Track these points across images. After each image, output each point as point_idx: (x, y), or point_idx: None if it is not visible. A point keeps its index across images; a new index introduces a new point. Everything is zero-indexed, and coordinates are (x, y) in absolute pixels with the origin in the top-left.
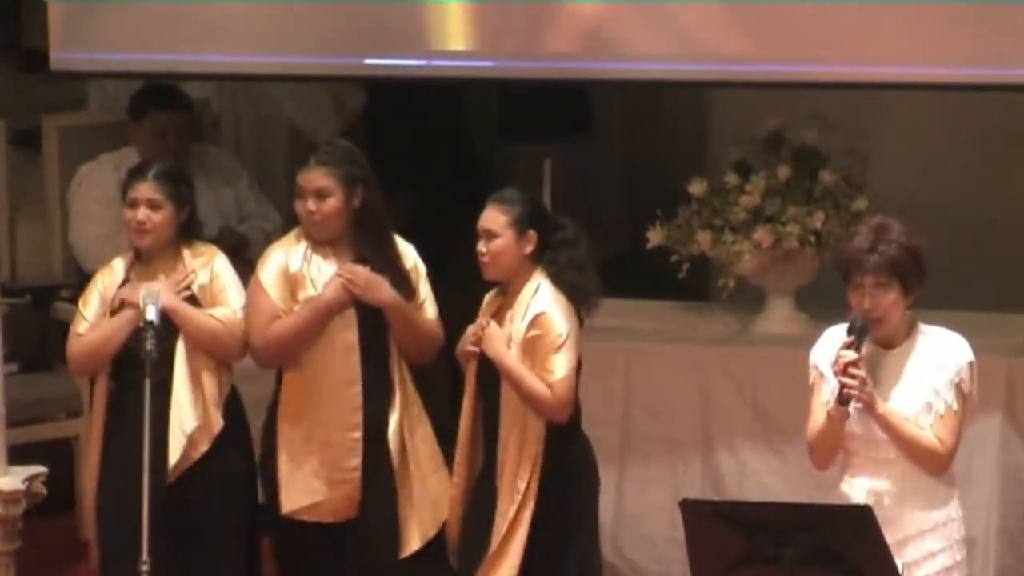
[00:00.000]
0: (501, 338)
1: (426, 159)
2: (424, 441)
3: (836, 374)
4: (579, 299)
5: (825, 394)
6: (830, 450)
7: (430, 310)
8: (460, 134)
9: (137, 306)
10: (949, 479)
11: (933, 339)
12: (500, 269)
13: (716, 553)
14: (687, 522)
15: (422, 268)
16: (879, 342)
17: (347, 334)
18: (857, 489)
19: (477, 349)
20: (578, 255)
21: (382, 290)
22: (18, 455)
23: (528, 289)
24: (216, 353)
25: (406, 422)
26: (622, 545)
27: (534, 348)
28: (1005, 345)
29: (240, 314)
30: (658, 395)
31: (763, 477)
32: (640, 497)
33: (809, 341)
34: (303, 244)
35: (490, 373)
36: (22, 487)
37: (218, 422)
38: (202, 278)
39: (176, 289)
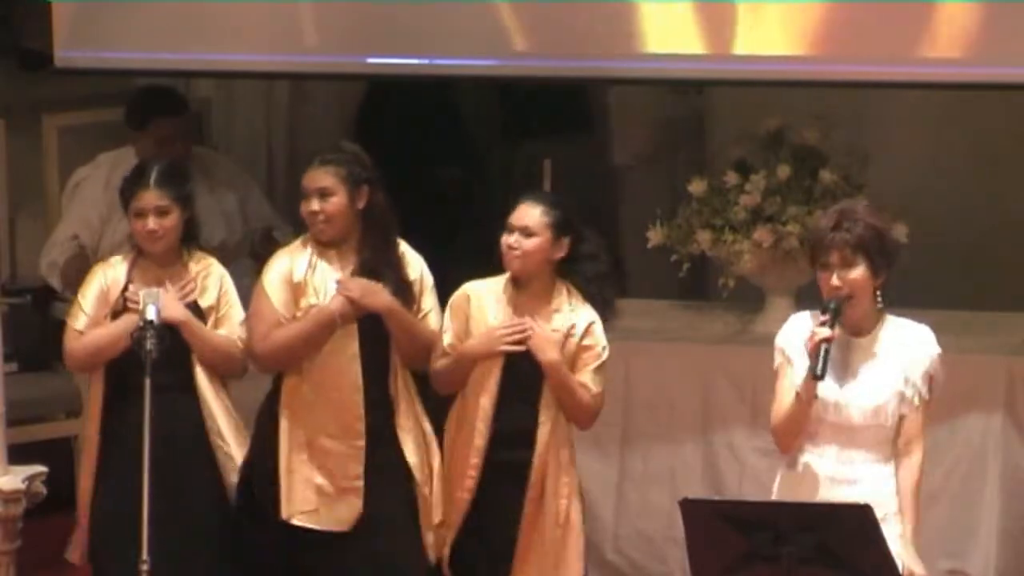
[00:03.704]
0: (555, 344)
1: (423, 159)
2: (434, 451)
3: (809, 351)
4: (603, 310)
5: (791, 377)
6: (798, 432)
7: (434, 321)
8: (457, 133)
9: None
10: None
11: (902, 330)
12: (528, 267)
13: (716, 553)
14: (687, 522)
15: (429, 280)
16: (849, 329)
17: (349, 343)
18: (822, 463)
19: (513, 349)
20: (603, 267)
21: (378, 296)
22: (18, 455)
23: (562, 295)
24: (221, 369)
25: (427, 432)
26: (622, 544)
27: (579, 356)
28: (1005, 345)
29: (242, 334)
30: (658, 394)
31: (763, 477)
32: (640, 496)
33: None
34: (308, 251)
35: (524, 373)
36: (22, 487)
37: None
38: (210, 297)
39: (179, 296)
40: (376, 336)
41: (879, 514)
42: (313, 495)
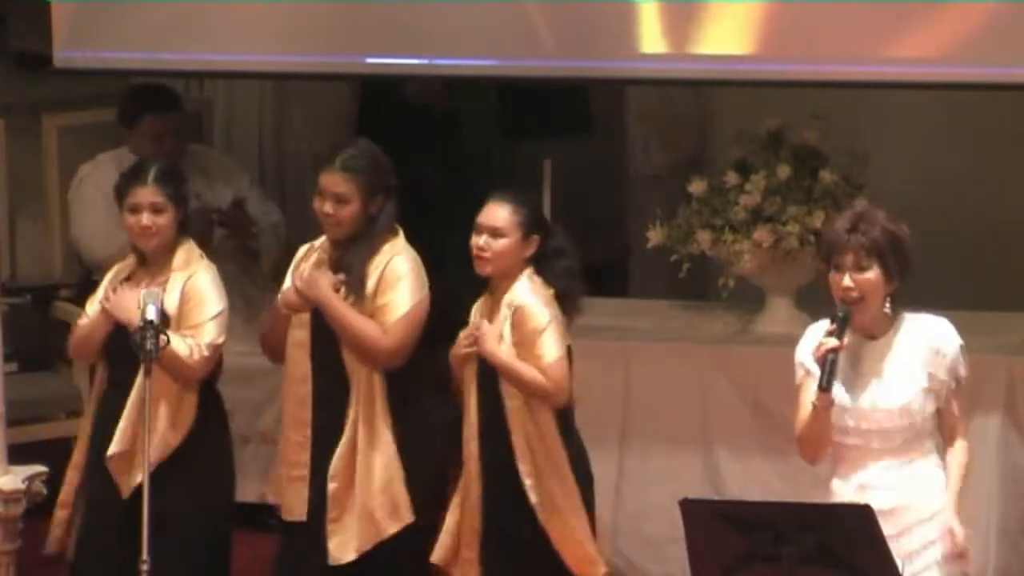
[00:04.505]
0: (494, 336)
1: (419, 159)
2: (384, 455)
3: (817, 360)
4: (568, 305)
5: (812, 388)
6: (819, 443)
7: (391, 313)
8: (455, 134)
9: (107, 311)
10: (941, 464)
11: (920, 326)
12: (498, 268)
13: (716, 553)
14: (687, 522)
15: (400, 270)
16: (862, 332)
17: (300, 332)
18: (852, 484)
19: (473, 351)
20: (571, 264)
21: (316, 288)
22: (18, 455)
23: (512, 288)
24: (170, 372)
25: (364, 433)
26: (622, 544)
27: (520, 341)
28: (1005, 345)
29: (207, 337)
30: (658, 394)
31: (763, 476)
32: (640, 496)
33: None
34: (316, 242)
35: (489, 374)
36: (22, 487)
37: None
38: (171, 302)
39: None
40: (327, 329)
41: (925, 514)
42: (277, 482)
